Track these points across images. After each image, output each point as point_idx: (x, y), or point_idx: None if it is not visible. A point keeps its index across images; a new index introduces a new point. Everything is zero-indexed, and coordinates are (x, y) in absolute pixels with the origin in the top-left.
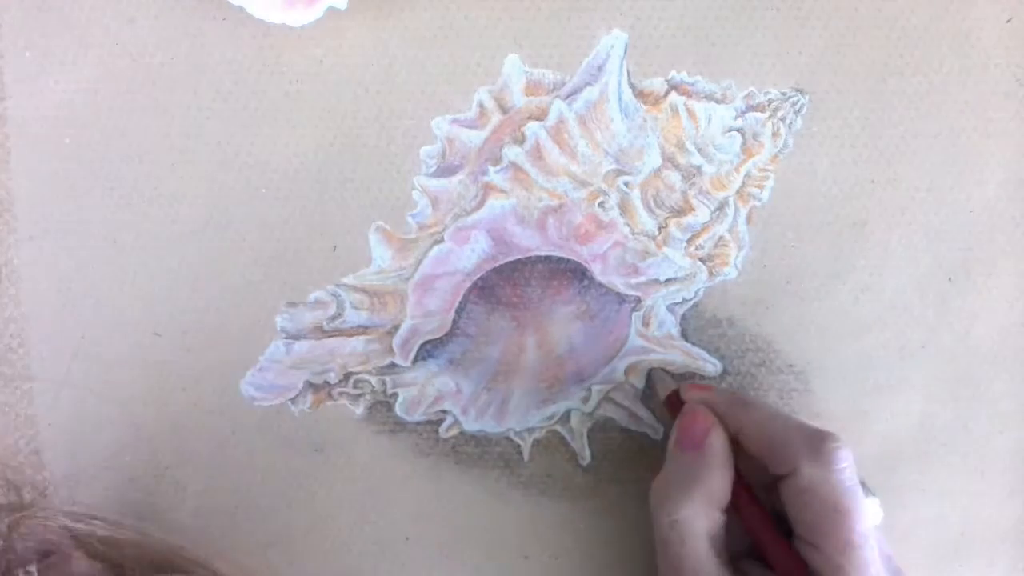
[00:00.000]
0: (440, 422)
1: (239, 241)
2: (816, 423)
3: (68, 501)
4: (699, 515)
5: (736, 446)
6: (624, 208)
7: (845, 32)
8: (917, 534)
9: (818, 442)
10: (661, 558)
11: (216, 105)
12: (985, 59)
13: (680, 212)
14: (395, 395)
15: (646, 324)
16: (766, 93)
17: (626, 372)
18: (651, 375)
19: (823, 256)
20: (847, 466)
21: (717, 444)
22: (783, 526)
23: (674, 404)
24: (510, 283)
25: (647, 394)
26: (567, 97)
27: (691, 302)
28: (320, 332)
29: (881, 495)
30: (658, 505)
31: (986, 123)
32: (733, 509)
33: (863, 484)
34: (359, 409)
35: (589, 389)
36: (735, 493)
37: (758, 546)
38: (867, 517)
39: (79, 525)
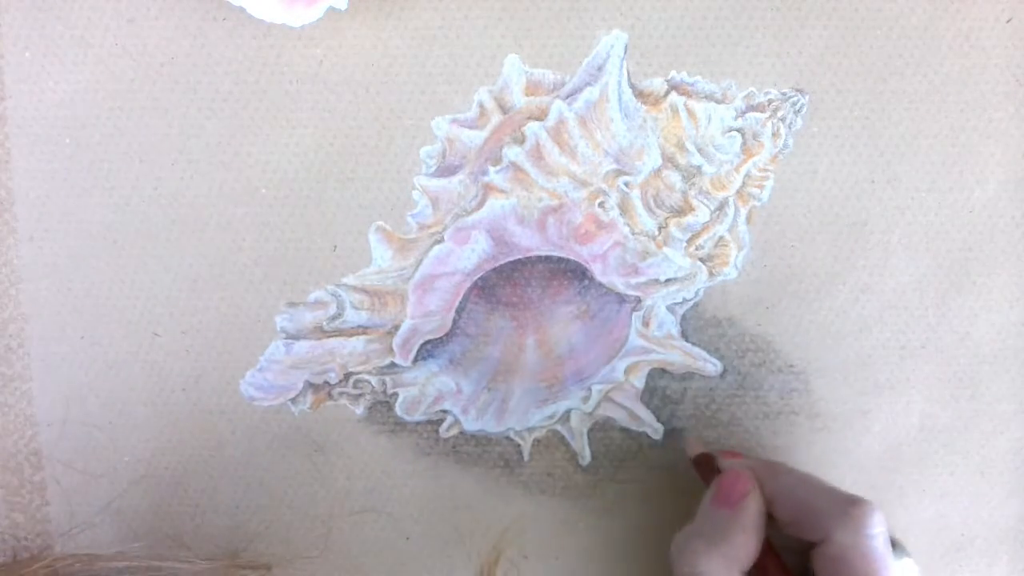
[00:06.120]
0: (440, 422)
1: (239, 241)
2: (816, 423)
3: (66, 501)
4: (719, 571)
5: (771, 518)
6: (624, 208)
7: (845, 32)
8: (917, 534)
9: (849, 507)
10: None
11: (216, 105)
12: (985, 59)
13: (680, 212)
14: (395, 395)
15: (646, 324)
16: (766, 93)
17: (626, 372)
18: (681, 436)
19: (823, 256)
20: (879, 532)
21: (752, 507)
22: None
23: (702, 466)
24: (510, 283)
25: (647, 394)
26: (567, 97)
27: (691, 302)
28: (320, 332)
29: (881, 495)
30: (679, 554)
31: (986, 123)
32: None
33: (898, 545)
34: (359, 409)
35: (589, 389)
36: (765, 563)
37: None
38: None
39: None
